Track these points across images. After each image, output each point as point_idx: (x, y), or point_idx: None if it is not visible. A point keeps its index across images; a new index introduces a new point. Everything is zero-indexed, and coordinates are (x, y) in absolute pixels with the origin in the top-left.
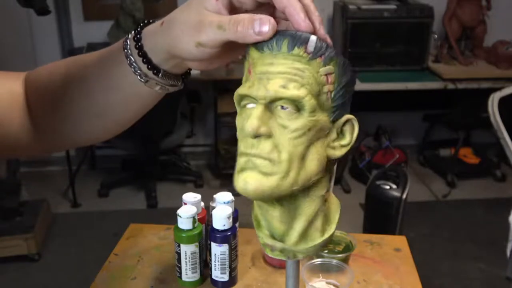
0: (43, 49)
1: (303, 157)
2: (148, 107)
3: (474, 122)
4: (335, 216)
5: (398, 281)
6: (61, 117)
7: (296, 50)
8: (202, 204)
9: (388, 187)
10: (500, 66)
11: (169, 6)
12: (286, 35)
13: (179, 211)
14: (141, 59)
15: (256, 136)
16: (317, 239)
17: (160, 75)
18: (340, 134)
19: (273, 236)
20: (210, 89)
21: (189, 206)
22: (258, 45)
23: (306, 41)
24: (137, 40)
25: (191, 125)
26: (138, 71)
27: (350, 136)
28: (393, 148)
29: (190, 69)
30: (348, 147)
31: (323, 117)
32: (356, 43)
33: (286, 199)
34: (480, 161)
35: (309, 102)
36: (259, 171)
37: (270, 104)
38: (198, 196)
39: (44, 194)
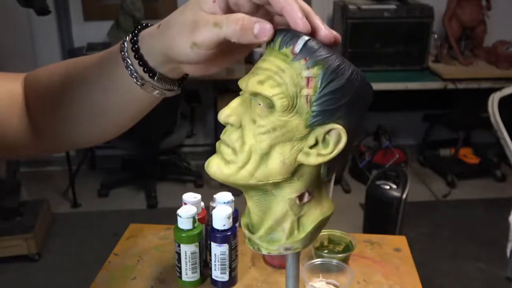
0: (43, 49)
1: (266, 154)
2: (146, 110)
3: (474, 122)
4: (310, 226)
5: (398, 281)
6: (61, 117)
7: (284, 49)
8: (202, 204)
9: (388, 187)
10: (500, 66)
11: (169, 6)
12: (281, 33)
13: (179, 211)
14: (137, 61)
15: (226, 123)
16: (281, 240)
17: (155, 78)
18: (323, 142)
19: (249, 225)
20: (210, 89)
21: (189, 206)
22: None
23: (296, 41)
24: (134, 43)
25: (191, 125)
26: (134, 74)
27: (334, 146)
28: (393, 148)
29: (187, 74)
30: (328, 157)
31: (296, 120)
32: (356, 43)
33: (256, 193)
34: (480, 161)
35: (279, 102)
36: (222, 157)
37: (253, 98)
38: (198, 196)
39: (44, 194)
